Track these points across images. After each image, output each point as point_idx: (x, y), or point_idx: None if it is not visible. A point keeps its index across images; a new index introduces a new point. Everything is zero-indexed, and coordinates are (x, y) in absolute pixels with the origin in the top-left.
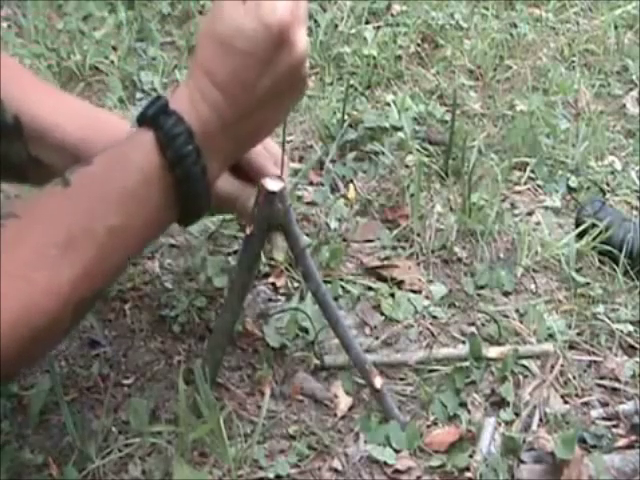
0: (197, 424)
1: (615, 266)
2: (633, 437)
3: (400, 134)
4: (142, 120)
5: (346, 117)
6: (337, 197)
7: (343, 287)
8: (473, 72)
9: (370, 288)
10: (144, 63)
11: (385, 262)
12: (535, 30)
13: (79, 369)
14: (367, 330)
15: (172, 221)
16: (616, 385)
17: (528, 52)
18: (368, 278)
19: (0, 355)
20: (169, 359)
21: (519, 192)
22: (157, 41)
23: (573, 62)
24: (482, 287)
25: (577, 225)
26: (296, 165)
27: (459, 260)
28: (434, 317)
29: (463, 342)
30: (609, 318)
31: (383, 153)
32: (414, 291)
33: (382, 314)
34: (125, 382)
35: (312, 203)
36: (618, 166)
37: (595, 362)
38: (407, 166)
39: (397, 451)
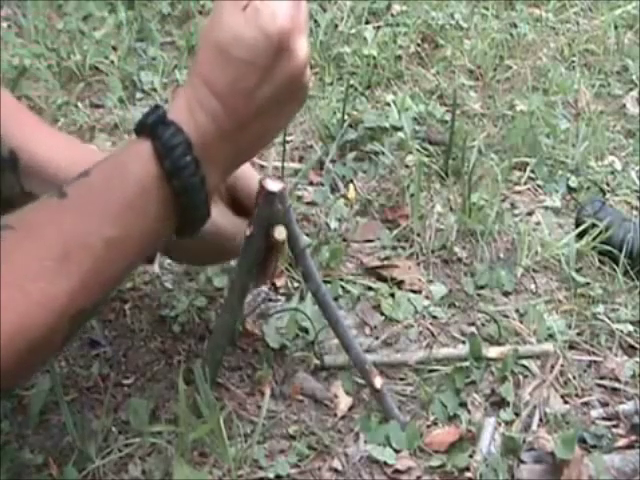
0: (197, 424)
1: (615, 266)
2: (633, 437)
3: (400, 134)
4: (140, 130)
5: (346, 117)
6: (337, 197)
7: (343, 287)
8: (473, 72)
9: (370, 288)
10: (144, 63)
11: (385, 262)
12: (535, 30)
13: (79, 369)
14: (367, 330)
15: (170, 232)
16: (616, 385)
17: (528, 52)
18: (368, 278)
19: None
20: (169, 359)
21: (519, 192)
22: (157, 41)
23: (573, 62)
24: (482, 287)
25: (577, 225)
26: (296, 165)
27: (459, 260)
28: (434, 317)
29: (463, 342)
30: (609, 318)
31: (383, 153)
32: (414, 291)
33: (382, 314)
34: (125, 382)
35: (312, 203)
36: (618, 166)
37: (595, 362)
38: (407, 166)
39: (397, 451)
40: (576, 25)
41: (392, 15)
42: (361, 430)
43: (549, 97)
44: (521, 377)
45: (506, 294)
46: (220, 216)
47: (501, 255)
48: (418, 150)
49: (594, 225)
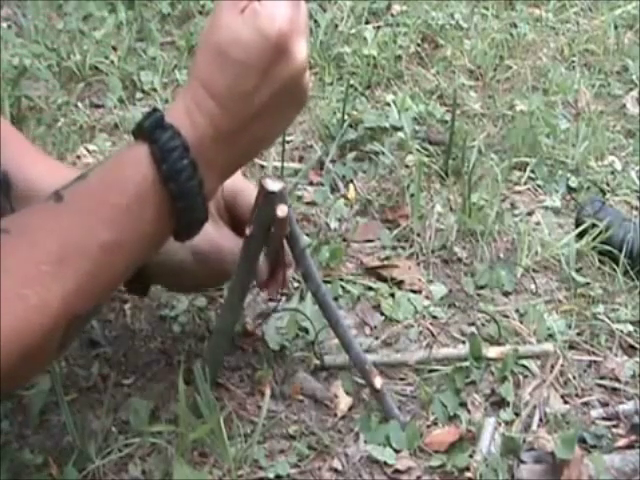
0: (197, 424)
1: (615, 266)
2: (633, 437)
3: (400, 134)
4: (138, 133)
5: (346, 117)
6: (337, 197)
7: (343, 287)
8: (473, 72)
9: (370, 288)
10: (144, 63)
11: (385, 262)
12: (535, 30)
13: (79, 369)
14: (367, 330)
15: (168, 236)
16: (616, 385)
17: (528, 52)
18: (368, 278)
19: None
20: (169, 359)
21: (519, 192)
22: (157, 41)
23: (573, 62)
24: (482, 287)
25: (577, 225)
26: (296, 165)
27: (459, 260)
28: (434, 317)
29: (463, 342)
30: (609, 318)
31: (383, 153)
32: (414, 291)
33: (382, 314)
34: (125, 382)
35: (312, 203)
36: (618, 166)
37: (595, 362)
38: (407, 166)
39: (397, 451)
40: (576, 25)
41: (392, 15)
42: (361, 430)
43: (549, 97)
44: (521, 377)
45: (506, 294)
46: (223, 239)
47: (501, 255)
48: (418, 150)
49: (594, 225)
